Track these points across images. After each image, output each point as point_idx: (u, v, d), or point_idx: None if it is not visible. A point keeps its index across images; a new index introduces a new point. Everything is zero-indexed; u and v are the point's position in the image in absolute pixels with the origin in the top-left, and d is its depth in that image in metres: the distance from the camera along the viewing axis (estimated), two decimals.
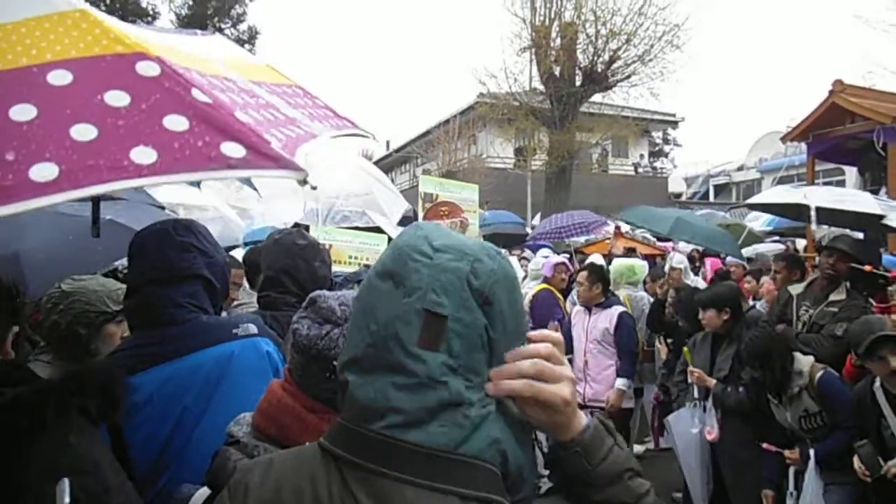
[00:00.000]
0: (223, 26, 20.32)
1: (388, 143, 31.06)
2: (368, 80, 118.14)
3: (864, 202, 4.23)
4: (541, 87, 14.47)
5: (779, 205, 4.98)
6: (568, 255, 7.49)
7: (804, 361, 3.14)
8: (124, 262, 2.31)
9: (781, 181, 22.03)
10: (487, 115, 16.45)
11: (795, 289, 3.88)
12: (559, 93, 13.98)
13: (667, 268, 5.89)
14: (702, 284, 5.68)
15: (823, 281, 3.77)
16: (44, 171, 1.03)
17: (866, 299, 3.75)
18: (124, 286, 1.79)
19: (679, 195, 29.86)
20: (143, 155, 1.08)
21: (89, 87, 1.16)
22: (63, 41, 1.23)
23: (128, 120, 1.14)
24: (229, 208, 4.90)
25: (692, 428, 3.68)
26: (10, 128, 1.07)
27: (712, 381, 3.61)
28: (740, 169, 32.27)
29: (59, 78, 1.17)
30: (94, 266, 2.56)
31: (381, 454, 0.69)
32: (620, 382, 4.49)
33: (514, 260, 7.00)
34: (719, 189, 34.18)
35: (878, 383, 2.82)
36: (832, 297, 3.64)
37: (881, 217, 4.13)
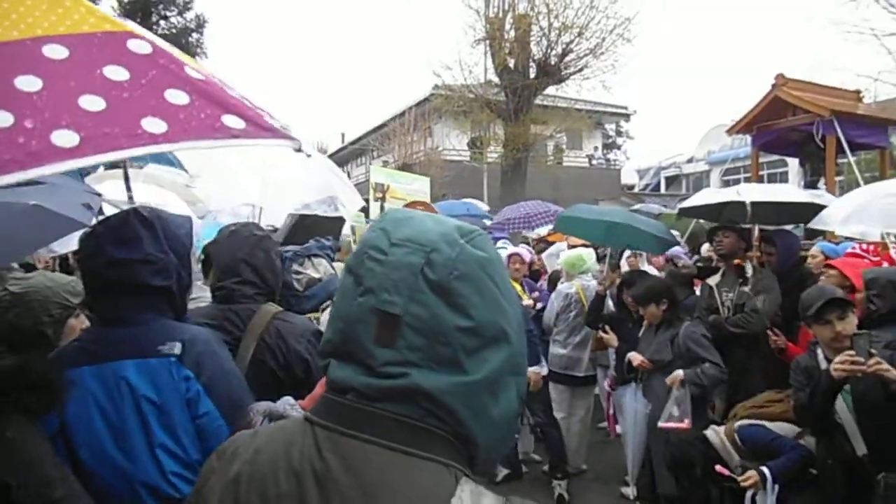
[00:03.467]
0: (168, 14, 19.66)
1: (343, 135, 30.77)
2: (322, 72, 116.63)
3: (796, 194, 4.44)
4: (496, 80, 14.56)
5: (714, 209, 5.07)
6: (527, 247, 7.55)
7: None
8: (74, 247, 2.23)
9: (727, 173, 22.91)
10: (443, 108, 16.44)
11: (713, 280, 4.34)
12: (513, 85, 14.08)
13: (626, 255, 6.12)
14: (653, 271, 5.93)
15: (731, 266, 4.25)
16: (65, 138, 1.06)
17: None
18: (75, 278, 1.74)
19: (632, 187, 30.55)
20: (153, 125, 1.13)
21: (87, 61, 1.19)
22: (49, 18, 1.24)
23: (131, 93, 1.17)
24: (185, 204, 4.75)
25: (634, 405, 3.88)
26: (21, 97, 1.09)
27: (678, 375, 3.79)
28: (690, 161, 33.24)
29: (55, 52, 1.18)
30: (19, 252, 2.44)
31: (351, 418, 0.72)
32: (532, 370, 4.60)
33: None
34: (670, 181, 35.11)
35: (821, 355, 2.87)
36: (746, 274, 4.09)
37: (819, 207, 4.35)
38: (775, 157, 14.99)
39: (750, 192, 4.41)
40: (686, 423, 3.67)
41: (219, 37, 78.28)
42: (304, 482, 0.71)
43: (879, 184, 5.44)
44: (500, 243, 8.03)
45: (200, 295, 3.13)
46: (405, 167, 16.11)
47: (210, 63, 20.79)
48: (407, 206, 5.82)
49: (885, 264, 3.88)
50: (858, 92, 8.23)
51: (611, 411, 5.06)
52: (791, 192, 4.49)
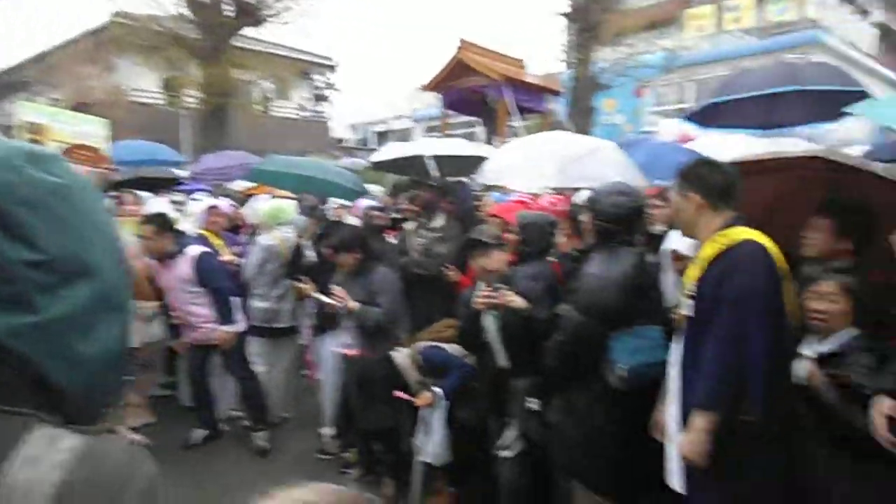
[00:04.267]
0: None
1: None
2: None
3: (467, 148, 5.03)
4: (189, 14, 13.11)
5: (401, 162, 5.45)
6: (230, 200, 7.16)
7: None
8: None
9: (430, 130, 24.82)
10: (125, 40, 14.26)
11: (409, 225, 4.68)
12: (208, 22, 12.88)
13: (333, 206, 6.22)
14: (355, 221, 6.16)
15: (427, 213, 4.72)
16: None
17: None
18: None
19: (342, 141, 31.07)
20: None
21: None
22: None
23: None
24: None
25: (331, 350, 4.05)
26: None
27: (354, 304, 3.97)
28: (399, 118, 35.14)
29: None
30: None
31: None
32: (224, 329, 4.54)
33: (163, 204, 6.39)
34: (381, 136, 36.73)
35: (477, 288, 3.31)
36: (434, 224, 4.48)
37: (483, 158, 5.00)
38: (466, 118, 16.66)
39: (429, 147, 4.80)
40: (357, 351, 3.97)
41: None
42: None
43: (527, 140, 6.35)
44: (196, 195, 7.48)
45: None
46: (80, 107, 13.68)
47: None
48: (69, 150, 4.97)
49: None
50: (522, 61, 9.53)
51: (311, 358, 5.17)
52: (464, 146, 5.03)
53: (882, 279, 2.54)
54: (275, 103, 24.07)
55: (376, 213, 6.80)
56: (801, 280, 2.58)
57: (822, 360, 2.40)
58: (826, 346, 2.45)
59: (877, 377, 2.23)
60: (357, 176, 5.73)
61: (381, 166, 5.92)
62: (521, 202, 5.02)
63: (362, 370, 3.91)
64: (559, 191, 5.47)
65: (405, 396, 3.52)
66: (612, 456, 2.63)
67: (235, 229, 6.57)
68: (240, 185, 9.13)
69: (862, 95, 3.93)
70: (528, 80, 8.77)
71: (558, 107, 10.98)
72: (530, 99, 8.64)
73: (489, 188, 7.14)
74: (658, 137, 7.49)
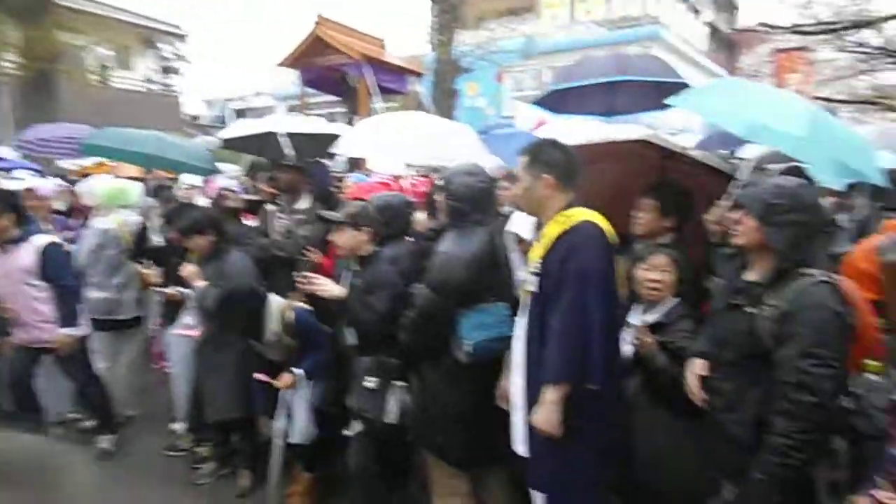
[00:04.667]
0: None
1: None
2: None
3: (323, 126, 4.91)
4: None
5: (254, 140, 5.19)
6: (61, 180, 6.44)
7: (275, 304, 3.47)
8: None
9: (293, 109, 23.89)
10: None
11: (271, 207, 4.49)
12: None
13: (182, 188, 5.79)
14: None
15: (290, 194, 4.53)
16: None
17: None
18: None
19: (197, 118, 29.10)
20: None
21: None
22: None
23: None
24: None
25: (181, 340, 3.83)
26: None
27: (201, 283, 3.78)
28: (259, 94, 33.51)
29: None
30: None
31: None
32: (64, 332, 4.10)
33: None
34: (239, 114, 34.85)
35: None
36: (297, 206, 4.42)
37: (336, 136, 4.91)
38: (333, 98, 16.21)
39: (284, 124, 4.62)
40: (195, 332, 3.83)
41: None
42: None
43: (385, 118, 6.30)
44: (17, 172, 6.63)
45: None
46: None
47: None
48: None
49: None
50: (382, 40, 9.45)
51: (159, 350, 4.83)
52: (322, 125, 4.91)
53: (698, 254, 2.84)
54: (115, 73, 21.87)
55: (231, 194, 6.47)
56: (634, 257, 2.82)
57: (651, 328, 2.64)
58: (653, 316, 2.70)
59: (693, 341, 2.50)
60: (210, 154, 5.37)
61: (232, 144, 5.60)
62: (384, 184, 5.01)
63: (213, 357, 3.74)
64: (424, 173, 5.53)
65: (266, 379, 3.41)
66: (463, 428, 2.73)
67: (69, 212, 5.96)
68: (76, 163, 8.21)
69: (686, 87, 4.35)
70: (389, 60, 8.72)
71: (422, 88, 11.06)
72: (392, 79, 8.61)
73: (351, 169, 7.04)
74: (516, 122, 7.79)
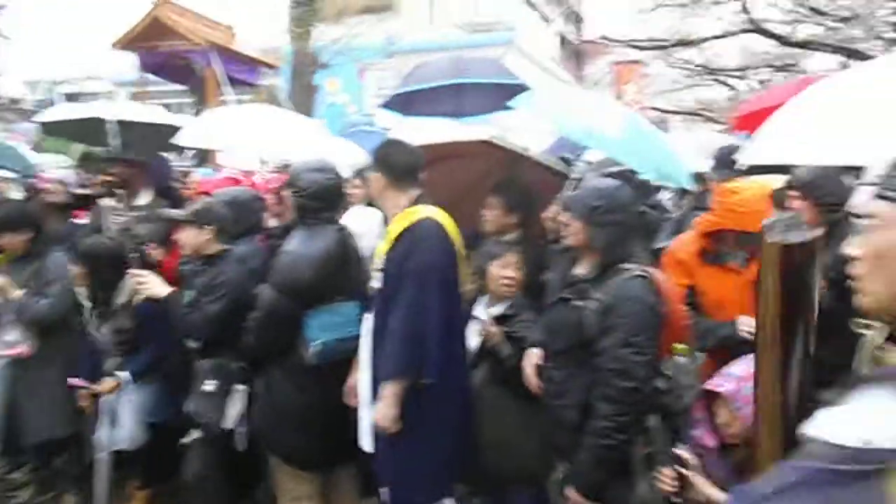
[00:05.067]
0: None
1: None
2: None
3: (166, 117, 4.58)
4: None
5: (77, 126, 4.73)
6: None
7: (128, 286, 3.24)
8: None
9: (137, 96, 21.83)
10: None
11: (106, 202, 4.17)
12: None
13: None
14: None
15: (129, 190, 4.27)
16: None
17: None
18: None
19: (17, 101, 25.78)
20: None
21: None
22: None
23: None
24: None
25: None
26: None
27: (18, 294, 3.40)
28: (94, 78, 30.38)
29: None
30: None
31: None
32: None
33: None
34: (70, 98, 31.35)
35: None
36: (138, 202, 4.25)
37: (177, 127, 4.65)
38: (178, 87, 15.05)
39: (114, 110, 4.25)
40: (21, 349, 3.43)
41: None
42: None
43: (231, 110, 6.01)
44: None
45: None
46: None
47: None
48: None
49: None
50: (231, 28, 8.96)
51: None
52: (159, 113, 4.57)
53: (538, 249, 3.00)
54: None
55: (54, 187, 5.83)
56: (487, 255, 2.92)
57: (496, 320, 2.75)
58: (499, 308, 2.81)
59: (532, 332, 2.64)
60: (20, 147, 4.78)
61: (51, 129, 5.03)
62: (232, 179, 4.77)
63: (34, 373, 3.35)
64: (279, 169, 5.32)
65: (82, 383, 3.13)
66: (309, 429, 2.67)
67: None
68: None
69: (526, 90, 4.55)
70: (240, 49, 8.28)
71: (279, 82, 10.64)
72: (242, 70, 8.19)
73: (199, 165, 6.61)
74: (378, 120, 7.73)
